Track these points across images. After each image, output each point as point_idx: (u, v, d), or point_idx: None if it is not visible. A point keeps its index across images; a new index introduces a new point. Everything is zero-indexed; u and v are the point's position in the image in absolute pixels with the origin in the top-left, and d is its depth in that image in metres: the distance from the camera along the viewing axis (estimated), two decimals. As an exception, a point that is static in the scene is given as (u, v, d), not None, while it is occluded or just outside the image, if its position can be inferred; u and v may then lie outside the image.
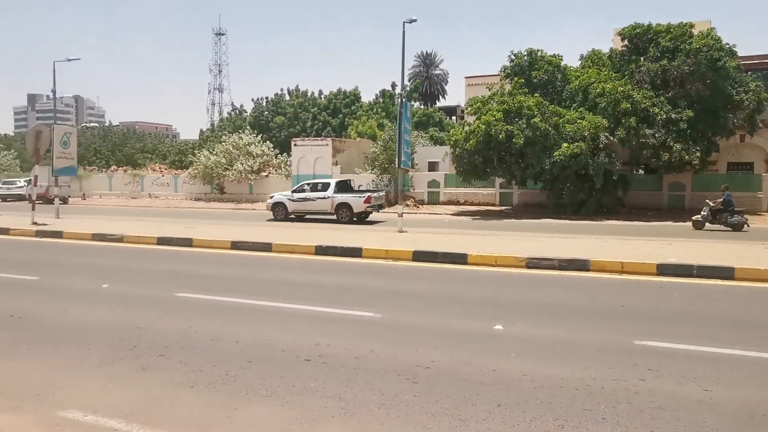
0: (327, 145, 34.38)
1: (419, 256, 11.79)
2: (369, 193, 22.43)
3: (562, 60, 28.19)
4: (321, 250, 12.62)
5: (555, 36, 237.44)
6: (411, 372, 5.35)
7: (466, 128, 26.16)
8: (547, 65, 27.49)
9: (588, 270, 10.46)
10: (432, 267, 11.27)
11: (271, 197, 24.11)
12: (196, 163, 38.35)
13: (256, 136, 38.93)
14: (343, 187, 23.10)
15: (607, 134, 23.75)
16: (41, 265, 11.50)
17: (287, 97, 55.09)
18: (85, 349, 6.20)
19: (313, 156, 34.11)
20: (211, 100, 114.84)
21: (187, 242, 14.02)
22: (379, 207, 23.04)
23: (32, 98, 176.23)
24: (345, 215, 21.63)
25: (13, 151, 54.75)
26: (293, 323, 7.20)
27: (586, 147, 23.25)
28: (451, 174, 30.97)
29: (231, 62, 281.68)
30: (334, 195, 21.86)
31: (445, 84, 79.62)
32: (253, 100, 57.44)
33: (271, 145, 39.06)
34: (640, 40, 26.13)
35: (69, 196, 37.89)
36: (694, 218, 19.38)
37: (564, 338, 6.44)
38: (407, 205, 27.31)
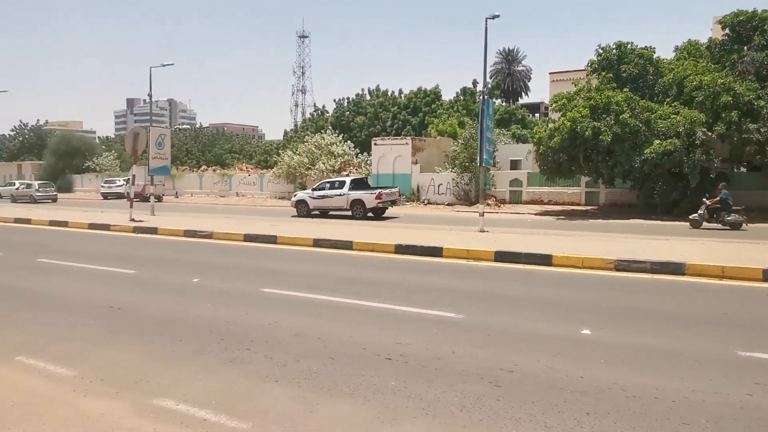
0: (407, 144, 34.44)
1: (501, 256, 11.54)
2: (380, 190, 23.29)
3: (654, 52, 26.80)
4: (401, 249, 12.63)
5: (645, 29, 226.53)
6: (493, 375, 5.22)
7: (551, 125, 25.39)
8: (638, 58, 26.20)
9: (683, 274, 9.85)
10: (515, 268, 10.99)
11: (295, 195, 25.58)
12: (280, 163, 39.49)
13: (338, 136, 39.58)
14: (359, 184, 24.16)
15: (704, 130, 22.31)
16: (138, 260, 12.18)
17: (368, 97, 55.67)
18: (178, 340, 6.49)
19: (392, 155, 34.28)
20: (294, 102, 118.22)
21: (272, 239, 14.43)
22: (392, 203, 24.07)
23: (130, 102, 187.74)
24: (359, 211, 22.69)
25: (113, 152, 58.50)
26: (374, 321, 7.22)
27: (680, 144, 21.93)
28: (534, 172, 30.19)
29: (313, 64, 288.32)
30: (349, 192, 22.89)
31: (528, 80, 77.80)
32: (334, 100, 58.66)
33: (352, 145, 39.61)
34: (743, 28, 24.39)
35: (163, 195, 40.13)
36: (691, 217, 19.10)
37: (657, 346, 6.07)
38: (488, 205, 26.88)
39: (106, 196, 43.51)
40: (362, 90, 57.62)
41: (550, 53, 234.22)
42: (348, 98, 56.84)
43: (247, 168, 51.31)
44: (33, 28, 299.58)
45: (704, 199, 19.13)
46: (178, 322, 7.25)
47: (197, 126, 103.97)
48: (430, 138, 40.00)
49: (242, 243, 14.69)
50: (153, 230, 16.83)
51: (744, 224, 18.01)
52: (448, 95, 54.34)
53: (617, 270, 10.32)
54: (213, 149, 76.60)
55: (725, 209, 18.28)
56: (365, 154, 38.62)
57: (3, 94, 75.72)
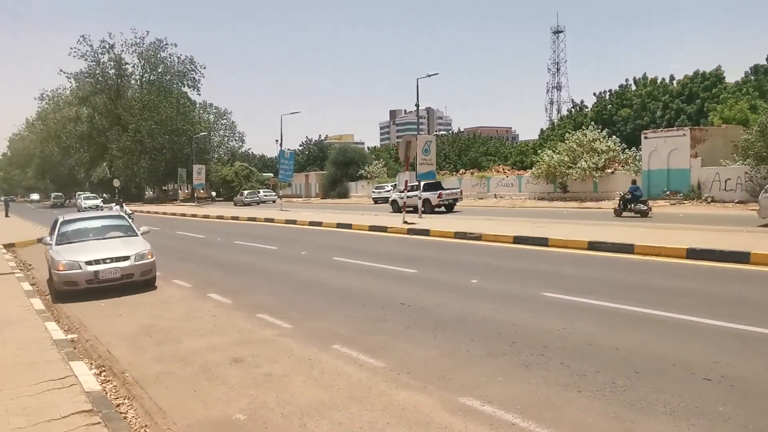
0: (684, 135, 30.81)
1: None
2: (441, 191, 29.37)
3: None
4: (694, 254, 11.23)
5: None
6: None
7: None
8: None
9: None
10: None
11: (392, 196, 33.21)
12: (539, 163, 38.70)
13: (600, 132, 37.31)
14: (431, 187, 29.08)
15: None
16: (416, 260, 12.96)
17: (633, 87, 51.46)
18: (469, 340, 6.65)
19: (666, 148, 31.00)
20: (549, 99, 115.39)
21: (543, 241, 14.11)
22: (454, 200, 29.81)
23: (393, 113, 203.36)
24: (428, 208, 28.10)
25: (381, 160, 63.94)
26: (678, 335, 6.47)
27: None
28: None
29: (569, 59, 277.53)
30: (422, 193, 26.98)
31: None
32: (595, 94, 55.51)
33: (618, 140, 36.96)
34: None
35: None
36: (614, 207, 23.13)
37: None
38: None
39: (376, 200, 47.67)
40: (626, 80, 53.46)
41: None
42: (610, 91, 53.30)
43: (503, 169, 51.46)
44: (316, 49, 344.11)
45: (620, 192, 23.22)
46: (466, 322, 7.44)
47: (453, 131, 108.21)
48: (713, 127, 35.22)
49: (511, 245, 14.65)
50: (425, 232, 17.81)
51: (650, 212, 21.52)
52: (732, 77, 47.35)
53: None
54: (469, 153, 78.69)
55: (635, 200, 22.05)
56: (634, 149, 35.68)
57: (295, 114, 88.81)
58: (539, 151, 43.53)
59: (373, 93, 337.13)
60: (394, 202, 31.34)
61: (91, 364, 6.45)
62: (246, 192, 56.03)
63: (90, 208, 44.65)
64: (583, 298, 8.33)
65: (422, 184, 27.56)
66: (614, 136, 38.01)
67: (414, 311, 8.17)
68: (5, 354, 6.35)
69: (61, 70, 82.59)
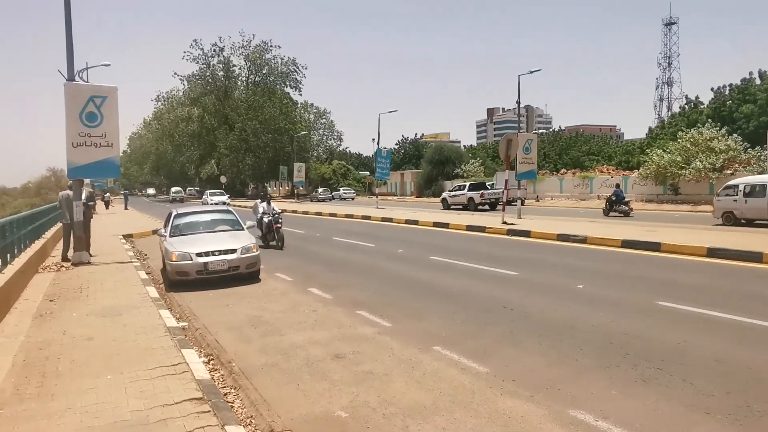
0: (817, 133, 27.90)
1: None
2: (483, 190, 33.03)
3: None
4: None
5: None
6: None
7: None
8: None
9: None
10: None
11: (443, 196, 36.96)
12: (648, 163, 36.53)
13: (719, 130, 34.60)
14: (476, 187, 33.60)
15: None
16: (517, 261, 12.53)
17: (758, 82, 47.35)
18: (578, 348, 6.27)
19: (797, 147, 28.22)
20: (658, 96, 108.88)
21: (655, 246, 13.21)
22: (496, 200, 32.01)
23: (490, 112, 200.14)
24: (471, 206, 32.64)
25: (478, 159, 63.01)
26: (822, 355, 5.76)
27: None
28: None
29: (682, 53, 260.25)
30: (466, 192, 32.56)
31: None
32: (712, 89, 51.60)
33: (739, 139, 34.12)
34: None
35: (525, 198, 41.25)
36: (602, 207, 26.87)
37: None
38: None
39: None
40: (749, 74, 49.30)
41: None
42: (730, 85, 49.39)
43: (607, 170, 49.07)
44: (414, 47, 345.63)
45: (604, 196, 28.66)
46: (573, 329, 7.05)
47: (553, 130, 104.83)
48: None
49: (619, 249, 13.84)
50: (526, 233, 17.24)
51: (631, 212, 24.93)
52: None
53: None
54: (570, 152, 75.92)
55: (618, 201, 25.34)
56: (758, 148, 32.81)
57: (392, 114, 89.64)
58: (648, 150, 41.07)
59: (470, 91, 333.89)
60: (444, 200, 36.21)
61: (201, 352, 6.71)
62: (320, 189, 63.55)
63: (216, 203, 47.32)
64: (705, 309, 7.65)
65: (468, 185, 32.90)
66: (734, 135, 35.16)
67: (517, 315, 7.86)
68: (126, 338, 6.73)
69: (175, 73, 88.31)
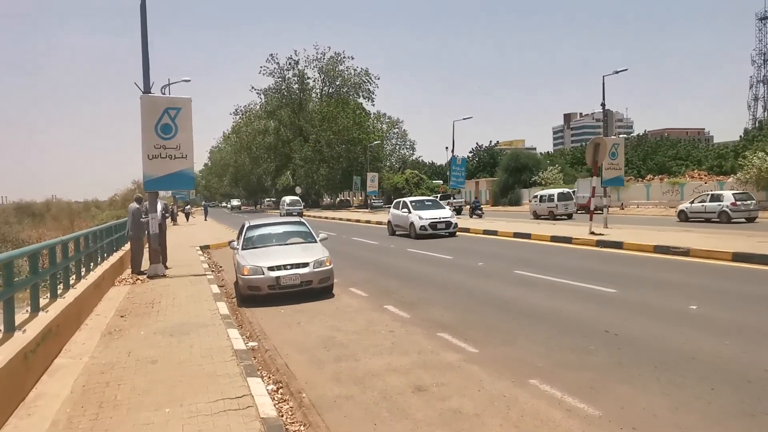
0: None
1: None
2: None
3: None
4: None
5: None
6: None
7: None
8: None
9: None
10: None
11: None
12: (747, 167, 33.70)
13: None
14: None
15: None
16: (614, 277, 11.33)
17: None
18: (707, 387, 5.22)
19: None
20: (753, 95, 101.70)
21: (771, 260, 11.65)
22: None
23: (567, 117, 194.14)
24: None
25: (557, 166, 60.76)
26: None
27: None
28: None
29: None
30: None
31: None
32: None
33: None
34: None
35: (608, 206, 39.01)
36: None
37: None
38: None
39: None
40: None
41: None
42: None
43: (699, 175, 45.85)
44: (487, 53, 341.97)
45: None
46: (695, 361, 5.96)
47: (635, 134, 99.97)
48: None
49: (730, 263, 12.33)
50: (617, 244, 15.84)
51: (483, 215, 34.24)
52: None
53: None
54: (655, 157, 72.13)
55: (477, 208, 35.03)
56: None
57: (465, 121, 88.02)
58: (746, 153, 37.93)
59: (545, 97, 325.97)
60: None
61: (269, 378, 6.14)
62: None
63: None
64: None
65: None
66: None
67: (624, 342, 6.82)
68: (191, 361, 6.26)
69: (252, 87, 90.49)
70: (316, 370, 6.46)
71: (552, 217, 32.62)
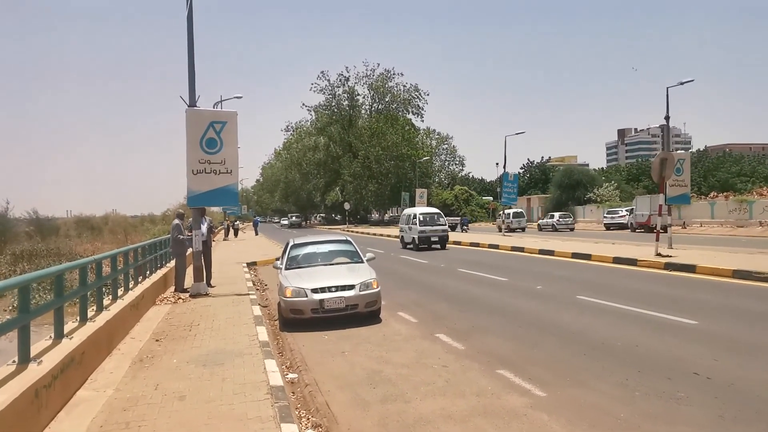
0: None
1: None
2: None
3: None
4: None
5: None
6: None
7: None
8: None
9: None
10: None
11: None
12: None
13: None
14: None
15: None
16: (691, 305, 10.18)
17: None
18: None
19: None
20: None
21: None
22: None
23: (621, 132, 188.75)
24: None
25: (613, 182, 58.57)
26: None
27: None
28: None
29: None
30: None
31: None
32: None
33: None
34: None
35: (669, 225, 37.01)
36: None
37: None
38: None
39: (608, 226, 43.32)
40: None
41: None
42: None
43: (768, 192, 43.08)
44: (537, 68, 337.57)
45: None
46: (817, 418, 4.93)
47: (693, 150, 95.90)
48: None
49: (824, 291, 10.97)
50: (689, 268, 14.51)
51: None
52: None
53: None
54: (717, 173, 68.81)
55: (465, 223, 44.95)
56: None
57: (516, 137, 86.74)
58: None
59: (598, 112, 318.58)
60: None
61: (308, 420, 5.44)
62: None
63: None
64: None
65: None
66: None
67: (720, 389, 5.81)
68: (221, 399, 5.62)
69: (303, 104, 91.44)
70: (360, 412, 5.72)
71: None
